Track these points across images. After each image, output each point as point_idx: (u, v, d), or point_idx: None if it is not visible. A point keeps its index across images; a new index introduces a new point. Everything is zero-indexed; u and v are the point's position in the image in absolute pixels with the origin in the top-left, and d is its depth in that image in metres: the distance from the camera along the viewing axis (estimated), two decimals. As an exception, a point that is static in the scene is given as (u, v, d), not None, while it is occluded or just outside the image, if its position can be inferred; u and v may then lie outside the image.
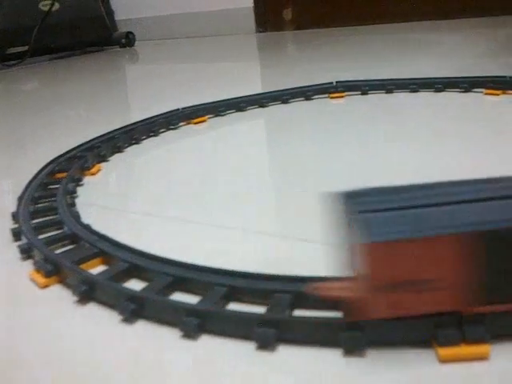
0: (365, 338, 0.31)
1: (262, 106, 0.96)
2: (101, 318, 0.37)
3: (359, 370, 0.30)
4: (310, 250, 0.44)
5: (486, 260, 0.28)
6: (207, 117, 0.91)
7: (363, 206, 0.31)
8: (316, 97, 0.99)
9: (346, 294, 0.32)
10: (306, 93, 0.99)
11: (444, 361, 0.29)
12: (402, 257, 0.28)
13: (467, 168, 0.57)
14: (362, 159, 0.64)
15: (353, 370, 0.30)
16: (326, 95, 0.98)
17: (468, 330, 0.29)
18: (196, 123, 0.89)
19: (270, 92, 1.00)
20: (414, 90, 0.95)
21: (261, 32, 2.46)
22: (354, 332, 0.31)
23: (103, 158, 0.74)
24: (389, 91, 0.97)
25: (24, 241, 0.48)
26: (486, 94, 0.88)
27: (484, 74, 0.93)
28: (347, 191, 0.32)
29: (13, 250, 0.48)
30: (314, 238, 0.45)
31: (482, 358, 0.29)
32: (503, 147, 0.63)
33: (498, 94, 0.86)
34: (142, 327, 0.36)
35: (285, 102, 0.97)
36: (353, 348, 0.31)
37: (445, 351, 0.29)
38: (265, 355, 0.32)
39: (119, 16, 2.68)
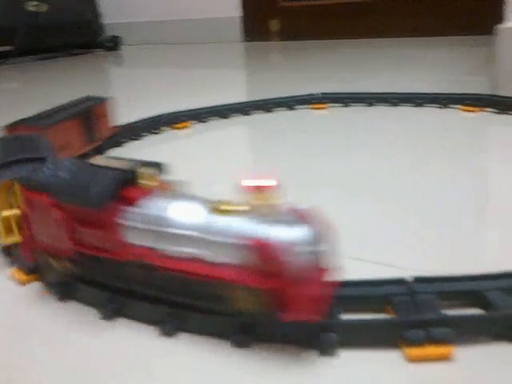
0: (337, 339, 0.32)
1: (245, 113, 0.97)
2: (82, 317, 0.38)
3: (333, 370, 0.31)
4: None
5: None
6: (190, 122, 0.92)
7: None
8: (299, 107, 1.00)
9: None
10: (289, 103, 1.00)
11: (411, 360, 0.31)
12: None
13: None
14: (337, 169, 0.65)
15: (327, 369, 0.31)
16: (309, 106, 1.00)
17: (433, 331, 0.31)
18: (179, 128, 0.90)
19: (254, 101, 1.01)
20: (395, 104, 0.97)
21: (247, 41, 2.49)
22: (329, 334, 0.32)
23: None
24: (370, 104, 0.99)
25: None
26: (463, 110, 0.90)
27: (462, 91, 0.96)
28: None
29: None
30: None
31: (447, 358, 0.30)
32: (473, 162, 0.65)
33: (474, 111, 0.89)
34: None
35: (268, 110, 0.99)
36: (326, 349, 0.32)
37: (412, 351, 0.30)
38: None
39: (107, 20, 2.68)
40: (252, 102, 1.01)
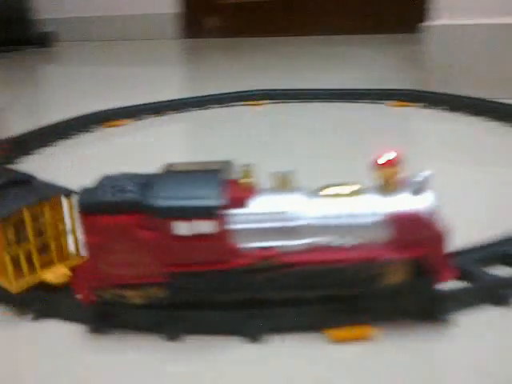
0: (265, 326, 0.33)
1: (181, 110, 0.97)
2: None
3: (261, 355, 0.32)
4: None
5: None
6: (126, 120, 0.91)
7: None
8: (236, 104, 1.01)
9: None
10: (227, 99, 1.01)
11: (333, 342, 0.32)
12: None
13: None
14: (274, 164, 0.67)
15: (248, 357, 0.32)
16: (246, 103, 1.01)
17: (355, 314, 0.32)
18: (113, 126, 0.89)
19: (191, 97, 1.01)
20: (329, 100, 1.00)
21: (185, 38, 2.47)
22: (257, 321, 0.33)
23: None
24: (305, 100, 1.01)
25: None
26: (394, 105, 0.94)
27: (392, 87, 0.99)
28: None
29: None
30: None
31: (367, 338, 0.32)
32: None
33: (403, 106, 0.93)
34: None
35: (206, 107, 0.99)
36: (255, 335, 0.33)
37: (334, 333, 0.32)
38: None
39: (41, 15, 2.59)
40: (188, 98, 1.01)
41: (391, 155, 0.32)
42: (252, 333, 0.33)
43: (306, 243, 0.32)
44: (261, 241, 0.32)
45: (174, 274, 0.32)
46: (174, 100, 0.99)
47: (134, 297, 0.33)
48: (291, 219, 0.32)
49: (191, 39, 2.46)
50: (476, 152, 0.67)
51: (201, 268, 0.32)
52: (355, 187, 0.33)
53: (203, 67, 1.58)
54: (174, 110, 0.97)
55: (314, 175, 0.63)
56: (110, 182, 0.32)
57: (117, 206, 0.31)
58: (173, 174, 0.33)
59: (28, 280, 0.35)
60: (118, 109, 0.93)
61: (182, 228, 0.31)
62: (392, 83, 1.06)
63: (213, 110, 0.99)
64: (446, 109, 0.87)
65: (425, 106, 0.91)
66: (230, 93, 1.02)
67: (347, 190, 0.33)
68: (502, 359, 0.31)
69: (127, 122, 0.91)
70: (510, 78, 0.90)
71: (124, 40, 2.59)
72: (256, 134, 0.81)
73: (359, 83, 1.11)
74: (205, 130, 0.86)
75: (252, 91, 1.03)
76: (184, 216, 0.30)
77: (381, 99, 0.96)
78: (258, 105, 1.00)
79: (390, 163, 0.32)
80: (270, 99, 1.01)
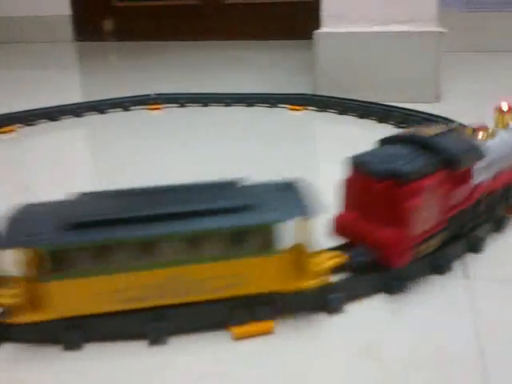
0: (168, 327, 0.33)
1: (77, 115, 0.94)
2: None
3: (163, 357, 0.32)
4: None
5: None
6: (16, 126, 0.87)
7: None
8: (134, 108, 1.00)
9: None
10: (125, 103, 0.99)
11: (237, 338, 0.33)
12: None
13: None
14: (174, 165, 0.67)
15: (155, 360, 0.32)
16: (145, 106, 1.00)
17: (256, 310, 0.33)
18: (2, 133, 0.84)
19: (87, 102, 0.98)
20: (228, 104, 1.01)
21: (80, 41, 2.39)
22: (160, 323, 0.33)
23: None
24: (205, 104, 1.01)
25: None
26: (290, 109, 0.97)
27: (288, 92, 1.03)
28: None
29: None
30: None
31: (269, 332, 0.34)
32: (297, 155, 0.71)
33: (299, 109, 0.96)
34: None
35: (102, 112, 0.97)
36: (157, 338, 0.33)
37: (237, 330, 0.33)
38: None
39: None
40: (85, 103, 0.98)
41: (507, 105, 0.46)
42: (155, 335, 0.33)
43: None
44: (480, 176, 0.42)
45: (450, 218, 0.40)
46: (70, 104, 0.95)
47: (429, 247, 0.39)
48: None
49: (88, 42, 2.38)
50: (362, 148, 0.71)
51: (461, 206, 0.41)
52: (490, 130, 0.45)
53: (100, 71, 1.54)
54: (69, 114, 0.94)
55: (214, 175, 0.63)
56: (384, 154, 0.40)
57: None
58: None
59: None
60: (7, 114, 0.88)
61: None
62: (290, 88, 1.09)
63: (111, 114, 0.97)
64: (336, 112, 0.92)
65: (318, 110, 0.95)
66: (128, 97, 1.01)
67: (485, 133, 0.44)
68: (387, 343, 0.33)
69: (18, 127, 0.87)
70: (391, 82, 0.96)
71: (18, 42, 2.45)
72: (155, 138, 0.81)
73: (259, 87, 1.13)
74: (102, 135, 0.84)
75: (151, 95, 1.02)
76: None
77: (279, 103, 0.99)
78: (157, 109, 0.99)
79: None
80: (169, 103, 1.01)
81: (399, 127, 0.82)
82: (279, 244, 0.34)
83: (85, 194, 0.35)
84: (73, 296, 0.32)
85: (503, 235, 0.46)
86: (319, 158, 0.74)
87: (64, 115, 0.93)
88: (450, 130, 0.42)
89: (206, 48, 1.98)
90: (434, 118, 0.80)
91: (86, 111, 0.96)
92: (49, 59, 1.88)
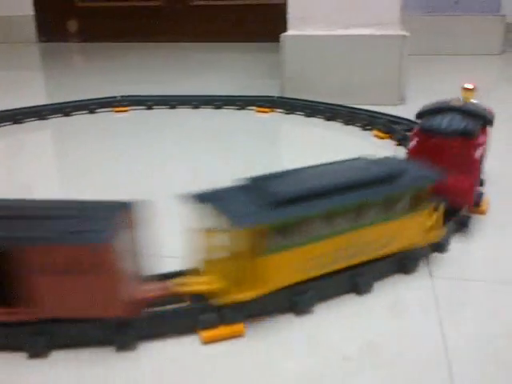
0: (136, 333, 0.33)
1: (42, 118, 0.92)
2: None
3: (130, 363, 0.32)
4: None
5: None
6: (-22, 129, 0.85)
7: None
8: (100, 110, 0.98)
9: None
10: (90, 106, 0.98)
11: (206, 342, 0.33)
12: None
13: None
14: (141, 168, 0.66)
15: (124, 363, 0.32)
16: (111, 109, 0.99)
17: (225, 313, 0.34)
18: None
19: (52, 104, 0.96)
20: (196, 107, 1.01)
21: (43, 42, 2.34)
22: (127, 329, 0.33)
23: None
24: (172, 106, 1.01)
25: None
26: (257, 111, 0.98)
27: (256, 94, 1.03)
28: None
29: None
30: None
31: (239, 335, 0.34)
32: (265, 156, 0.72)
33: (267, 112, 0.97)
34: None
35: (67, 114, 0.95)
36: (125, 345, 0.33)
37: (206, 334, 0.33)
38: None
39: None
40: (49, 105, 0.96)
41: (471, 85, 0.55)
42: (122, 341, 0.33)
43: None
44: None
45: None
46: (34, 107, 0.94)
47: None
48: None
49: (51, 43, 2.33)
50: (330, 149, 0.72)
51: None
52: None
53: (65, 72, 1.51)
54: (33, 117, 0.92)
55: (181, 177, 0.63)
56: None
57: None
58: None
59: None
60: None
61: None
62: (258, 90, 1.10)
63: (76, 116, 0.95)
64: (303, 114, 0.93)
65: (285, 112, 0.95)
66: (94, 99, 0.99)
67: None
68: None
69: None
70: (356, 85, 0.98)
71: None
72: (122, 141, 0.80)
73: (227, 90, 1.13)
74: (67, 138, 0.83)
75: (117, 97, 1.00)
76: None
77: (246, 105, 1.00)
78: (124, 111, 0.98)
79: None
80: (135, 105, 1.00)
81: (365, 129, 0.83)
82: (420, 205, 0.41)
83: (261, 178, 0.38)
84: (284, 268, 0.35)
85: (467, 235, 0.48)
86: (286, 159, 0.75)
87: (28, 118, 0.91)
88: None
89: (172, 50, 1.97)
90: (399, 120, 0.81)
91: (51, 114, 0.94)
92: (12, 60, 1.84)
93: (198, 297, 0.35)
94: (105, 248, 0.31)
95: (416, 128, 0.52)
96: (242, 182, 0.38)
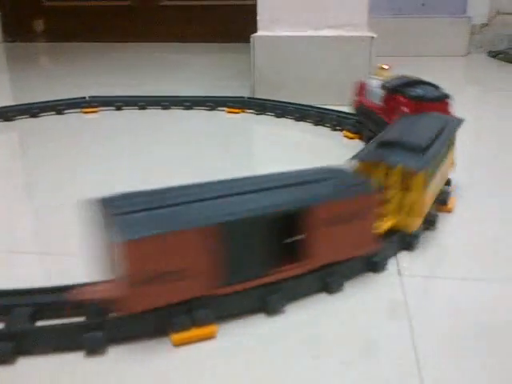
0: (106, 336, 0.32)
1: (7, 119, 0.90)
2: None
3: (103, 367, 0.31)
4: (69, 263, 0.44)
5: (227, 247, 0.33)
6: None
7: (118, 209, 0.33)
8: (68, 111, 0.97)
9: (107, 294, 0.33)
10: (58, 107, 0.96)
11: (177, 345, 0.33)
12: (155, 251, 0.31)
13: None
14: (113, 170, 0.65)
15: (95, 368, 0.31)
16: (79, 110, 0.97)
17: (197, 314, 0.33)
18: None
19: (18, 105, 0.94)
20: (166, 107, 1.00)
21: (9, 42, 2.29)
22: (96, 332, 0.32)
23: None
24: (142, 107, 1.00)
25: None
26: (228, 112, 0.97)
27: (226, 94, 1.03)
28: (102, 197, 0.34)
29: None
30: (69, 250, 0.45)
31: (211, 337, 0.33)
32: (235, 157, 0.72)
33: (237, 112, 0.97)
34: None
35: (34, 115, 0.93)
36: (95, 348, 0.32)
37: (177, 336, 0.33)
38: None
39: None
40: (16, 106, 0.94)
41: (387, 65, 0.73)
42: (92, 345, 0.32)
43: None
44: None
45: None
46: (-1, 108, 0.92)
47: None
48: None
49: (18, 43, 2.28)
50: (301, 150, 0.73)
51: None
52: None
53: (32, 73, 1.48)
54: (-2, 118, 0.90)
55: (151, 178, 0.63)
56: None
57: None
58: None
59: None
60: None
61: None
62: (228, 91, 1.09)
63: (44, 117, 0.93)
64: (273, 115, 0.93)
65: (256, 113, 0.95)
66: (62, 100, 0.97)
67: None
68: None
69: None
70: (326, 85, 0.99)
71: None
72: (91, 142, 0.79)
73: (197, 90, 1.13)
74: (35, 140, 0.81)
75: (86, 98, 0.99)
76: None
77: (217, 106, 0.99)
78: (93, 112, 0.97)
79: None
80: (105, 106, 0.99)
81: (335, 129, 0.84)
82: None
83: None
84: (429, 200, 0.47)
85: (435, 233, 0.49)
86: (256, 159, 0.75)
87: (-7, 119, 0.89)
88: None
89: (142, 50, 1.95)
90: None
91: (18, 115, 0.92)
92: (-25, 60, 1.79)
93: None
94: (371, 196, 0.39)
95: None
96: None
